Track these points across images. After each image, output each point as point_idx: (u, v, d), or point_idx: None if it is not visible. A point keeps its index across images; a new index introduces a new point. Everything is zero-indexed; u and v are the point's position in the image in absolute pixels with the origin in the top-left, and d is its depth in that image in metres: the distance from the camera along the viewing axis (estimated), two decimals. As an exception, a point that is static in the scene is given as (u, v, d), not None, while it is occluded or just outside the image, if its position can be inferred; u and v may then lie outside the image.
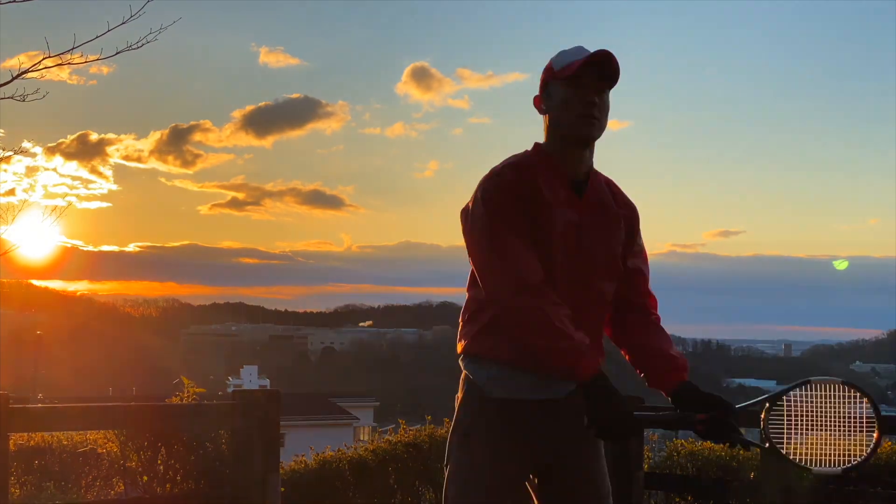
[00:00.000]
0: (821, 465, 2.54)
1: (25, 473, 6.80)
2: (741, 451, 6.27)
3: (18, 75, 5.81)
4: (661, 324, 2.77)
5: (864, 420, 2.56)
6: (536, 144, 2.70)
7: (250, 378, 62.98)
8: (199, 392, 6.17)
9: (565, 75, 2.61)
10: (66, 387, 49.61)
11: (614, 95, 2.69)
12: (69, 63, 5.83)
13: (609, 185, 2.76)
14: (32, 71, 5.83)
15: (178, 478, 5.85)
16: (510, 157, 2.68)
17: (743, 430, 2.69)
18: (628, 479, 5.37)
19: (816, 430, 2.57)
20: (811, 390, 2.58)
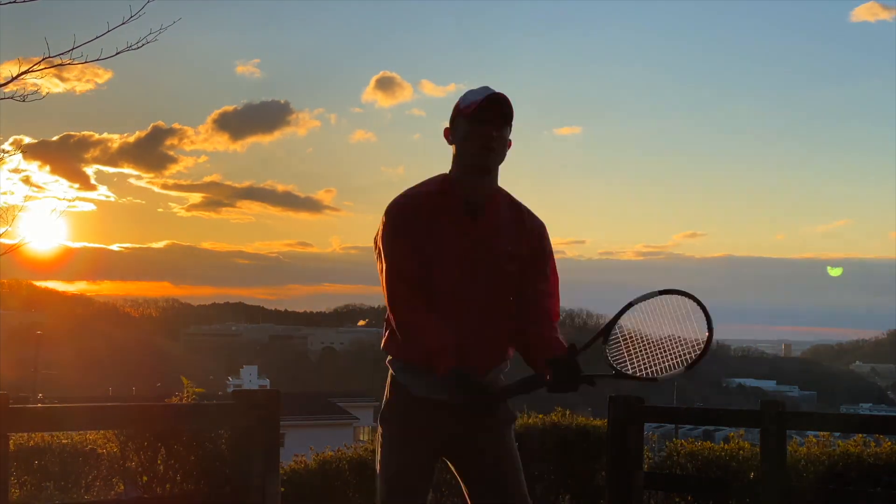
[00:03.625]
0: (665, 372, 2.85)
1: (25, 473, 6.79)
2: (741, 451, 6.27)
3: (19, 76, 5.82)
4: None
5: (694, 317, 2.87)
6: (444, 174, 3.10)
7: (250, 378, 63.03)
8: (198, 392, 6.17)
9: (467, 113, 2.99)
10: (66, 387, 49.58)
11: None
12: (69, 63, 5.82)
13: (515, 206, 3.15)
14: (32, 72, 5.83)
15: (178, 478, 5.86)
16: (416, 185, 3.10)
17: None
18: (628, 478, 5.37)
19: (650, 346, 2.91)
20: (638, 312, 2.94)
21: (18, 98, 5.82)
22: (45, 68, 5.86)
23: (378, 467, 3.13)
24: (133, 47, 5.85)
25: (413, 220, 3.01)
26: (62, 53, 5.74)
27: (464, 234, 3.02)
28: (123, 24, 5.76)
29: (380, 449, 3.14)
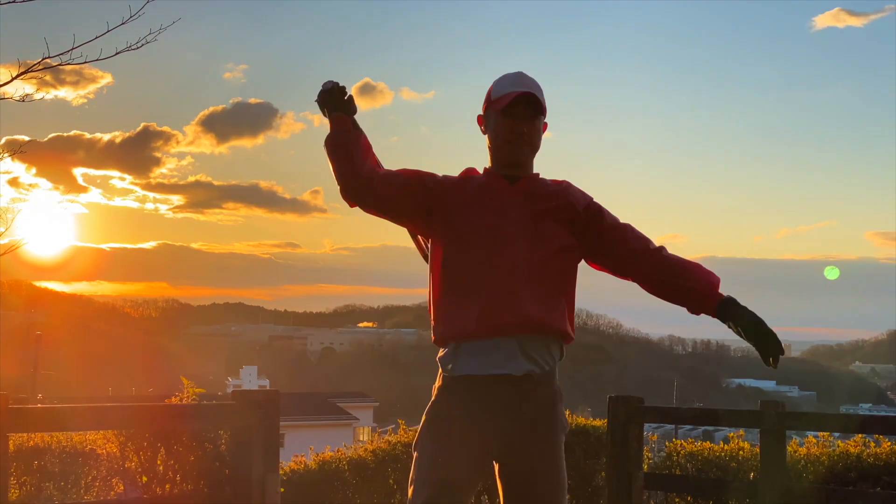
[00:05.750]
0: None
1: (24, 474, 6.79)
2: (741, 452, 6.27)
3: (17, 76, 5.81)
4: (667, 253, 3.03)
5: None
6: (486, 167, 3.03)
7: (250, 378, 63.02)
8: (198, 392, 6.16)
9: (498, 106, 2.92)
10: (66, 387, 49.58)
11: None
12: (68, 64, 5.81)
13: (557, 183, 3.00)
14: (31, 72, 5.82)
15: (178, 478, 5.85)
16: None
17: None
18: (628, 479, 5.37)
19: None
20: None
21: (17, 99, 5.82)
22: (44, 69, 5.85)
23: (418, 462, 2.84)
24: (133, 47, 5.83)
25: (441, 182, 2.95)
26: (61, 54, 5.73)
27: (494, 205, 2.90)
28: (123, 24, 5.75)
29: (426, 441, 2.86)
